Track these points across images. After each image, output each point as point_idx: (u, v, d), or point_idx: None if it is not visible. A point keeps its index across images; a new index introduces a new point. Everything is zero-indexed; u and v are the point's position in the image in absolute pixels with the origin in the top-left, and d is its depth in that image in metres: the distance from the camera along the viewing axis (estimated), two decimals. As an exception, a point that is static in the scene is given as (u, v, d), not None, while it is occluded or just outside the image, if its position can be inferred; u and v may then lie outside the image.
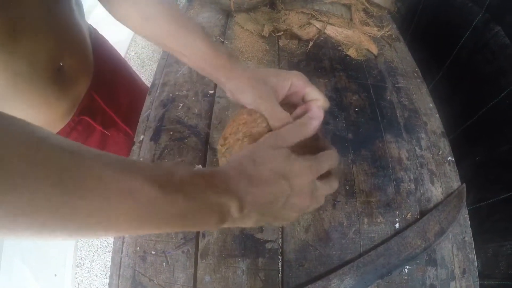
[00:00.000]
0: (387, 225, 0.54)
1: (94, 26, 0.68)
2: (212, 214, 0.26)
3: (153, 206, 0.23)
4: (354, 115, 0.59)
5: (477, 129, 0.69)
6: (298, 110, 0.37)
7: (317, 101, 0.37)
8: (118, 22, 0.45)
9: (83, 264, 1.33)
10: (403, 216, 0.55)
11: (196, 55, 0.40)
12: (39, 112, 0.49)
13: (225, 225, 0.28)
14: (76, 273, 1.30)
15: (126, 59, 1.92)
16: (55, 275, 1.25)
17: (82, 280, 1.28)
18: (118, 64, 0.71)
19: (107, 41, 0.71)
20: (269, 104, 0.35)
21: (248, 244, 0.51)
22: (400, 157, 0.58)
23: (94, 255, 1.34)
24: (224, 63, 0.39)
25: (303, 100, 0.38)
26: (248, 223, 0.30)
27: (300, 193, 0.30)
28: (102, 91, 0.62)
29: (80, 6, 0.55)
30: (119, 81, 0.69)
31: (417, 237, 0.55)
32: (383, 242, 0.53)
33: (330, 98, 0.61)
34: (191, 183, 0.26)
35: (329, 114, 0.58)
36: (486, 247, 0.68)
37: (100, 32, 0.69)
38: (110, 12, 0.45)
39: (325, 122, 0.58)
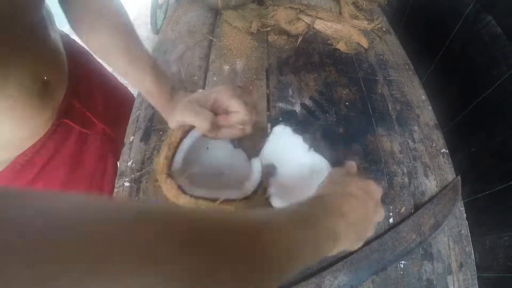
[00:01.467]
0: (381, 220, 0.52)
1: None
2: (328, 239, 0.29)
3: (295, 244, 0.24)
4: (345, 110, 0.57)
5: (471, 121, 0.67)
6: (219, 118, 0.42)
7: (238, 114, 0.41)
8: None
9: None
10: (397, 210, 0.53)
11: (145, 92, 0.48)
12: (23, 125, 0.50)
13: (334, 251, 0.31)
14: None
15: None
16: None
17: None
18: (91, 66, 0.71)
19: (80, 44, 0.70)
20: (193, 110, 0.40)
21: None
22: (392, 151, 0.56)
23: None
24: (168, 98, 0.46)
25: (226, 112, 0.42)
26: (346, 244, 0.32)
27: (378, 205, 0.35)
28: (79, 94, 0.61)
29: (51, 16, 0.55)
30: (94, 82, 0.69)
31: (411, 231, 0.53)
32: (377, 237, 0.51)
33: (320, 93, 0.60)
34: (311, 214, 0.29)
35: (320, 109, 0.57)
36: (483, 239, 0.66)
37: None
38: (76, 33, 0.50)
39: (315, 117, 0.56)
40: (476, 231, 0.57)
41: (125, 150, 0.60)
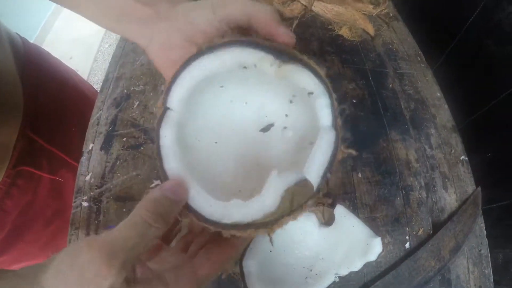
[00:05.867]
0: (396, 246, 0.39)
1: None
2: None
3: None
4: (351, 108, 0.42)
5: (488, 122, 0.53)
6: None
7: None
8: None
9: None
10: (414, 232, 0.40)
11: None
12: None
13: None
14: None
15: (101, 52, 1.41)
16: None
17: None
18: (61, 82, 0.50)
19: (46, 53, 0.50)
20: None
21: None
22: (408, 159, 0.42)
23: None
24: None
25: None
26: None
27: None
28: (42, 126, 0.43)
29: None
30: (65, 105, 0.49)
31: (430, 258, 0.40)
32: (392, 267, 0.38)
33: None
34: None
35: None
36: (496, 252, 0.54)
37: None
38: None
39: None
40: (488, 243, 0.45)
41: (83, 160, 0.44)
